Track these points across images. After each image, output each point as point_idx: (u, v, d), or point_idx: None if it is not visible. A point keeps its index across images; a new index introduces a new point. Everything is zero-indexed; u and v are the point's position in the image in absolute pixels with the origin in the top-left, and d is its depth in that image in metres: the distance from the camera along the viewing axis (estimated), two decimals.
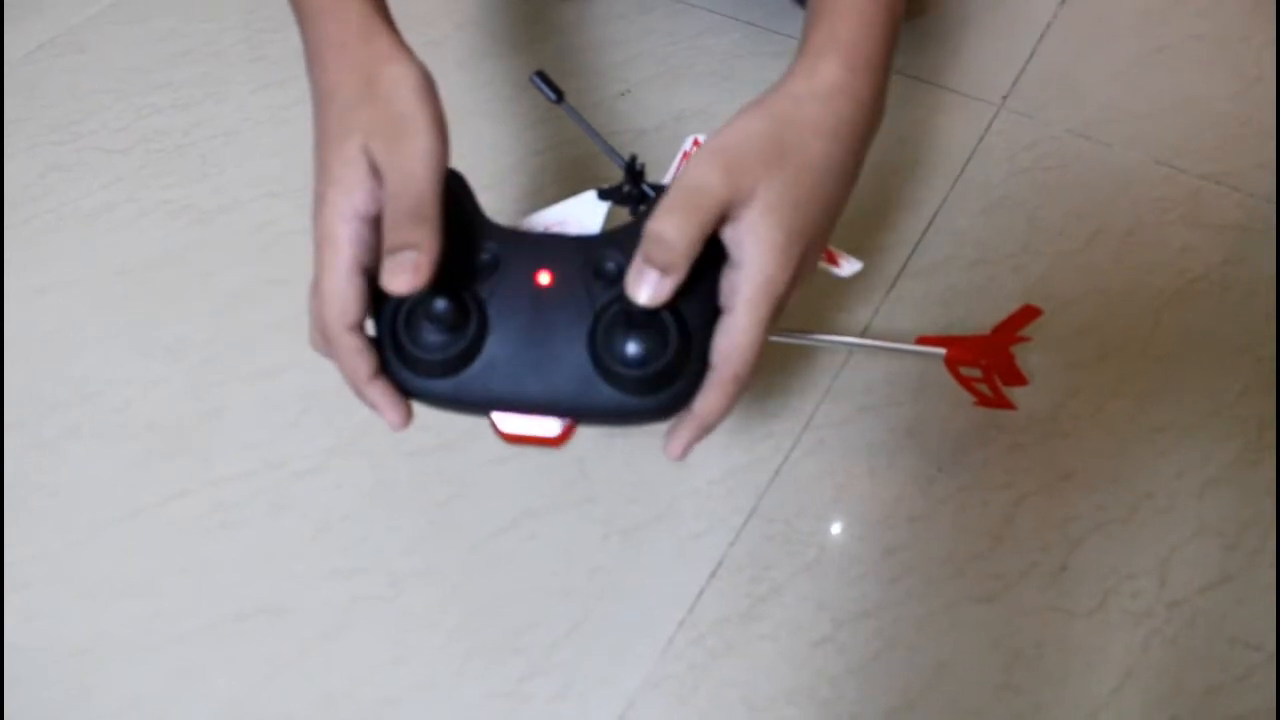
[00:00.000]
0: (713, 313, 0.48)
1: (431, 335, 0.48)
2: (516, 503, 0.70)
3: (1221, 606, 0.66)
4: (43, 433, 0.75)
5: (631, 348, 0.47)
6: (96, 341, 0.80)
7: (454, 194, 0.51)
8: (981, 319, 0.77)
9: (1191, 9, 1.10)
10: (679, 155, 0.73)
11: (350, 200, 0.47)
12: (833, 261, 0.60)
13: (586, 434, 0.72)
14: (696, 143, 0.74)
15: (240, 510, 0.71)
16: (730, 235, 0.47)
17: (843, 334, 0.78)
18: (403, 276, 0.45)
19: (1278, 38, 1.05)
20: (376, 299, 0.49)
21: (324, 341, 0.50)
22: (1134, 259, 0.85)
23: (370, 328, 0.50)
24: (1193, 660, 0.64)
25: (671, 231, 0.44)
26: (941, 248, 0.85)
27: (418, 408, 0.51)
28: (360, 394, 0.50)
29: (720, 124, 0.49)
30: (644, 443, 0.73)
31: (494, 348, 0.49)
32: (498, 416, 0.50)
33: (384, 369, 0.50)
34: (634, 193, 0.60)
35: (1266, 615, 0.66)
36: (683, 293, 0.47)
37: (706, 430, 0.49)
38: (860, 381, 0.76)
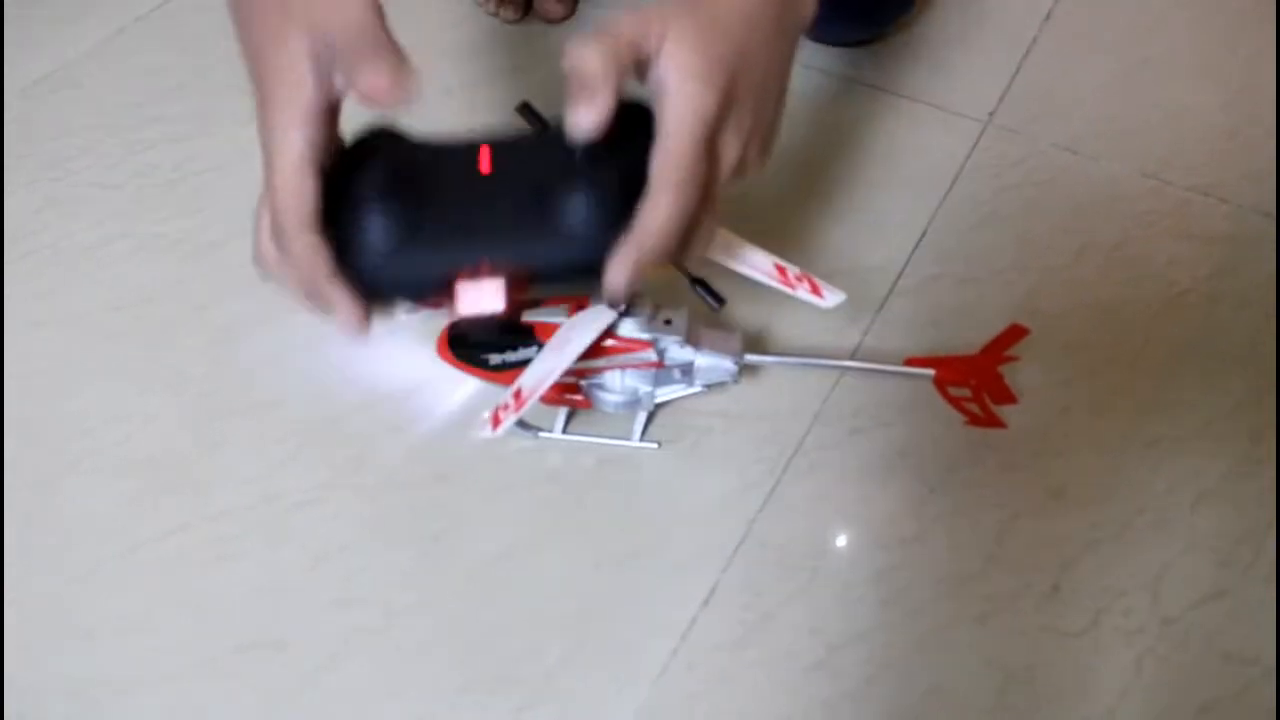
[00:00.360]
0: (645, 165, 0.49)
1: (377, 229, 0.49)
2: (510, 533, 0.71)
3: (1215, 622, 0.67)
4: (41, 469, 0.75)
5: (582, 199, 0.49)
6: (94, 376, 0.80)
7: (390, 135, 0.53)
8: (971, 337, 0.77)
9: (1175, 22, 1.10)
10: None
11: (299, 96, 0.48)
12: (816, 293, 0.61)
13: (578, 461, 0.73)
14: None
15: (238, 543, 0.71)
16: (652, 77, 0.49)
17: (833, 356, 0.78)
18: (391, 92, 0.48)
19: (1278, 42, 1.06)
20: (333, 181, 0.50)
21: (278, 248, 0.50)
22: (1122, 273, 0.86)
23: None
24: (1187, 677, 0.65)
25: (590, 60, 0.47)
26: (930, 266, 0.85)
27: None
28: (319, 294, 0.50)
29: None
30: (637, 474, 0.73)
31: (438, 226, 0.50)
32: (458, 296, 0.50)
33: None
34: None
35: (1261, 629, 0.66)
36: (619, 162, 0.49)
37: (646, 248, 0.49)
38: (850, 403, 0.76)
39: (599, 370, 0.70)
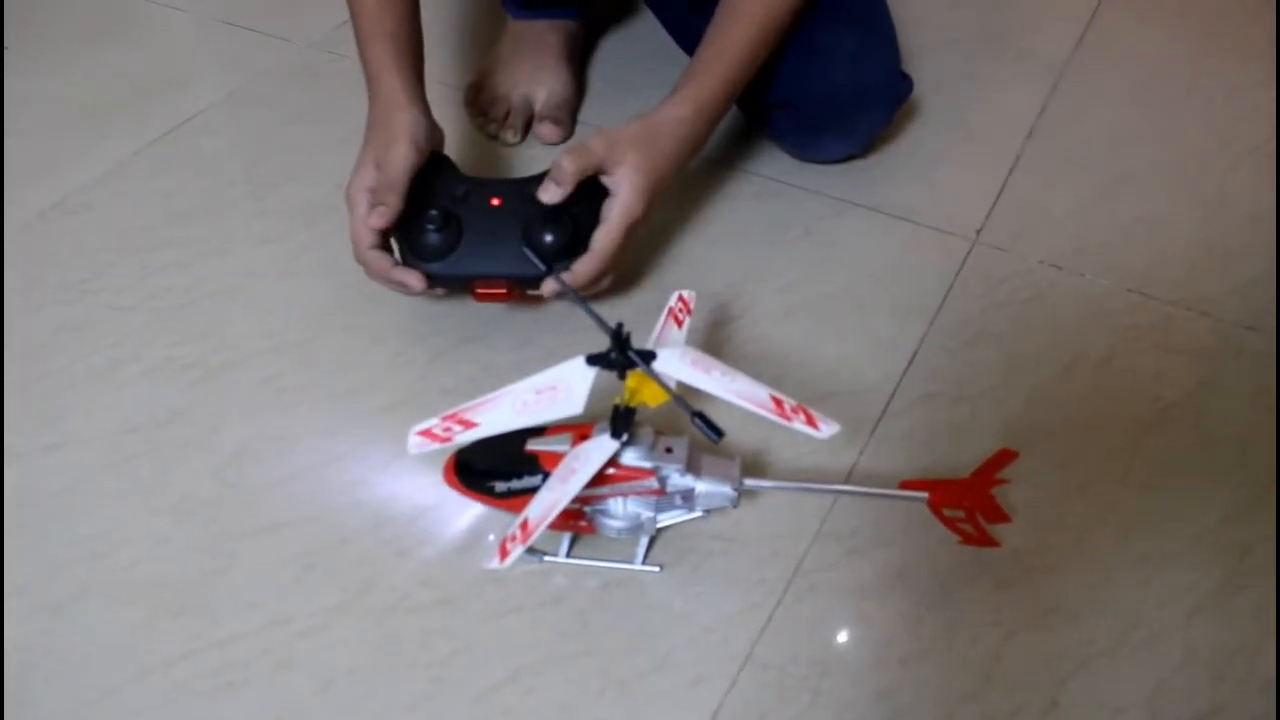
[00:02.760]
0: (597, 223, 0.85)
1: (429, 236, 0.85)
2: (515, 657, 0.72)
3: None
4: (50, 594, 0.76)
5: (548, 235, 0.84)
6: (105, 499, 0.82)
7: (442, 162, 0.90)
8: (965, 455, 0.79)
9: (1151, 137, 1.15)
10: (665, 312, 0.77)
11: (363, 180, 0.86)
12: (812, 424, 0.62)
13: (582, 584, 0.74)
14: (682, 298, 0.78)
15: (246, 670, 0.72)
16: (610, 180, 0.85)
17: (830, 477, 0.80)
18: (378, 216, 0.84)
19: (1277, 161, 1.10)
20: (398, 224, 0.85)
21: (360, 261, 0.87)
22: (1110, 387, 0.88)
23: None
24: None
25: (566, 165, 0.83)
26: (922, 386, 0.88)
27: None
28: (388, 279, 0.86)
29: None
30: (640, 597, 0.75)
31: (465, 242, 0.86)
32: (476, 291, 0.87)
33: (402, 262, 0.87)
34: (620, 360, 0.63)
35: None
36: (581, 211, 0.85)
37: (579, 283, 0.84)
38: (848, 524, 0.78)
39: (602, 497, 0.72)
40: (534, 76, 1.17)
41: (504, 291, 0.87)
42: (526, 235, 0.85)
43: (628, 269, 0.94)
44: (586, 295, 0.84)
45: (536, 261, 0.84)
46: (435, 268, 0.85)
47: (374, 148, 0.86)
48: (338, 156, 1.12)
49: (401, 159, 0.84)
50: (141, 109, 1.21)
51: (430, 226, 0.84)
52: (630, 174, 0.84)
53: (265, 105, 1.22)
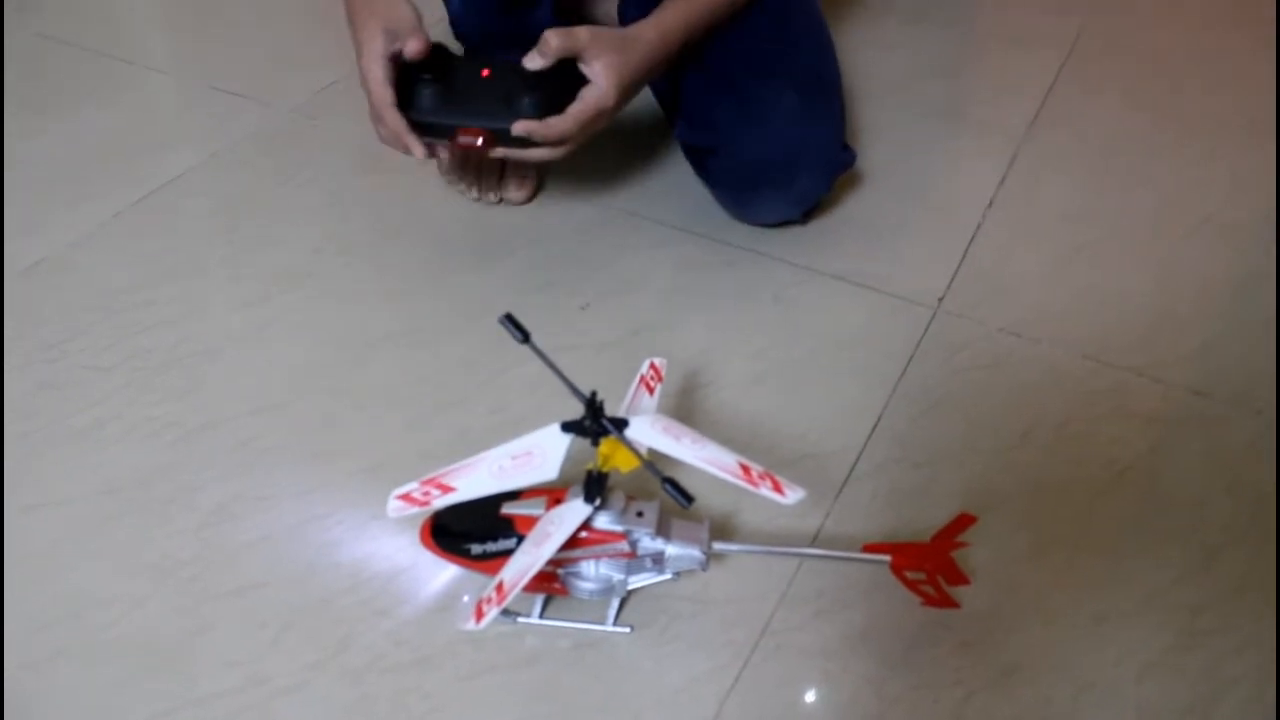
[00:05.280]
0: (571, 99, 0.95)
1: (422, 90, 0.97)
2: (489, 716, 0.73)
3: None
4: (32, 653, 0.77)
5: (526, 98, 0.95)
6: (85, 560, 0.83)
7: (439, 46, 0.99)
8: (927, 519, 0.82)
9: (1105, 208, 1.19)
10: (637, 378, 0.79)
11: (378, 47, 0.94)
12: (778, 490, 0.65)
13: (555, 645, 0.76)
14: (653, 366, 0.80)
15: None
16: (589, 70, 0.95)
17: (796, 540, 0.83)
18: (415, 42, 0.95)
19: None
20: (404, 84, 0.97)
21: (381, 122, 0.97)
22: (1066, 452, 0.91)
23: None
24: None
25: (552, 40, 0.92)
26: (885, 451, 0.91)
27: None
28: (401, 141, 0.97)
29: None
30: (611, 658, 0.76)
31: (452, 98, 0.97)
32: (458, 138, 0.97)
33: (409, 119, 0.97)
34: (594, 427, 0.66)
35: None
36: (558, 87, 0.95)
37: (546, 138, 0.95)
38: (814, 587, 0.80)
39: (575, 560, 0.74)
40: None
41: (479, 142, 0.96)
42: (507, 96, 0.96)
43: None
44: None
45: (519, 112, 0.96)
46: (423, 116, 0.97)
47: (377, 19, 0.94)
48: (316, 221, 1.16)
49: (410, 10, 0.96)
50: (124, 170, 1.24)
51: (424, 80, 0.96)
52: (607, 69, 0.95)
53: (246, 168, 1.24)
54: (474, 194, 1.18)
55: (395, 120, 0.95)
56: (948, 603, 0.76)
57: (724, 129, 1.07)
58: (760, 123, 1.05)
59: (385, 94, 0.95)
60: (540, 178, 1.21)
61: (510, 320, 0.66)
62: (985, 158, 1.28)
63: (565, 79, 0.95)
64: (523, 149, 0.97)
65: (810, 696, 0.75)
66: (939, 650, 0.77)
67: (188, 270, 1.10)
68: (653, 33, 0.99)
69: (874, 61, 1.14)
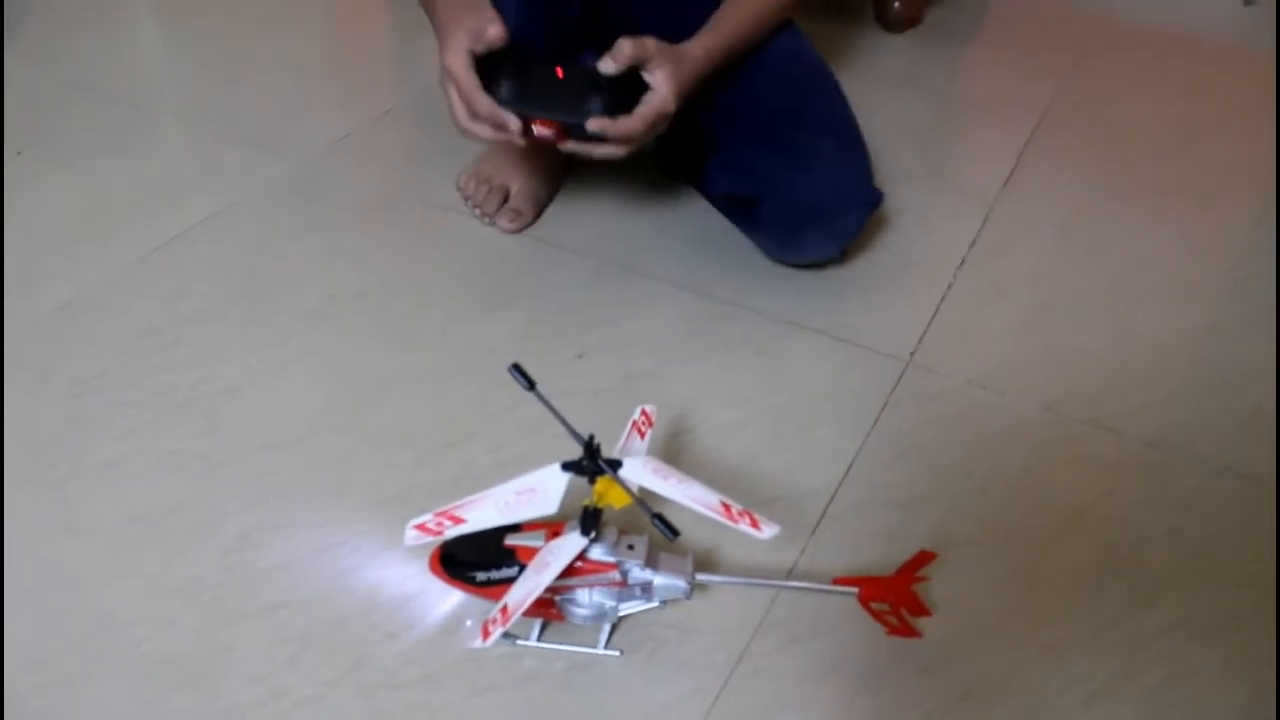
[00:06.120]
0: (636, 102, 1.05)
1: (503, 84, 1.05)
2: None
3: None
4: (66, 667, 0.83)
5: (596, 97, 1.04)
6: (116, 582, 0.89)
7: (516, 47, 1.06)
8: (894, 556, 0.89)
9: (1069, 269, 1.27)
10: (629, 424, 0.87)
11: (462, 43, 1.04)
12: (755, 526, 0.72)
13: (550, 666, 0.83)
14: (645, 412, 0.88)
15: None
16: (652, 79, 1.05)
17: (773, 574, 0.90)
18: (496, 29, 1.05)
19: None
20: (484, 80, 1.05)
21: (469, 114, 1.06)
22: (1025, 497, 0.99)
23: None
24: None
25: (626, 48, 1.03)
26: (858, 493, 0.98)
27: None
28: (498, 121, 1.05)
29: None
30: (602, 679, 0.83)
31: (530, 93, 1.06)
32: (534, 129, 1.06)
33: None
34: (591, 467, 0.73)
35: None
36: (627, 93, 1.05)
37: (617, 135, 1.05)
38: (789, 615, 0.87)
39: (571, 588, 0.81)
40: (517, 167, 1.31)
41: (553, 133, 1.06)
42: (580, 94, 1.05)
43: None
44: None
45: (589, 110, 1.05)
46: (503, 105, 1.05)
47: (465, 22, 1.05)
48: (330, 268, 1.23)
49: (493, 12, 1.05)
50: (148, 217, 1.31)
51: (504, 74, 1.06)
52: (668, 78, 1.05)
53: (264, 216, 1.32)
54: (477, 211, 1.30)
55: (487, 102, 1.04)
56: (910, 632, 0.83)
57: (767, 177, 1.17)
58: (805, 170, 1.16)
59: (473, 80, 1.04)
60: (533, 216, 1.31)
61: (518, 369, 0.74)
62: (958, 220, 1.36)
63: (629, 84, 1.05)
64: (590, 145, 1.07)
65: (785, 717, 0.81)
66: (902, 676, 0.84)
67: (209, 313, 1.17)
68: (700, 50, 1.11)
69: (861, 124, 1.23)
